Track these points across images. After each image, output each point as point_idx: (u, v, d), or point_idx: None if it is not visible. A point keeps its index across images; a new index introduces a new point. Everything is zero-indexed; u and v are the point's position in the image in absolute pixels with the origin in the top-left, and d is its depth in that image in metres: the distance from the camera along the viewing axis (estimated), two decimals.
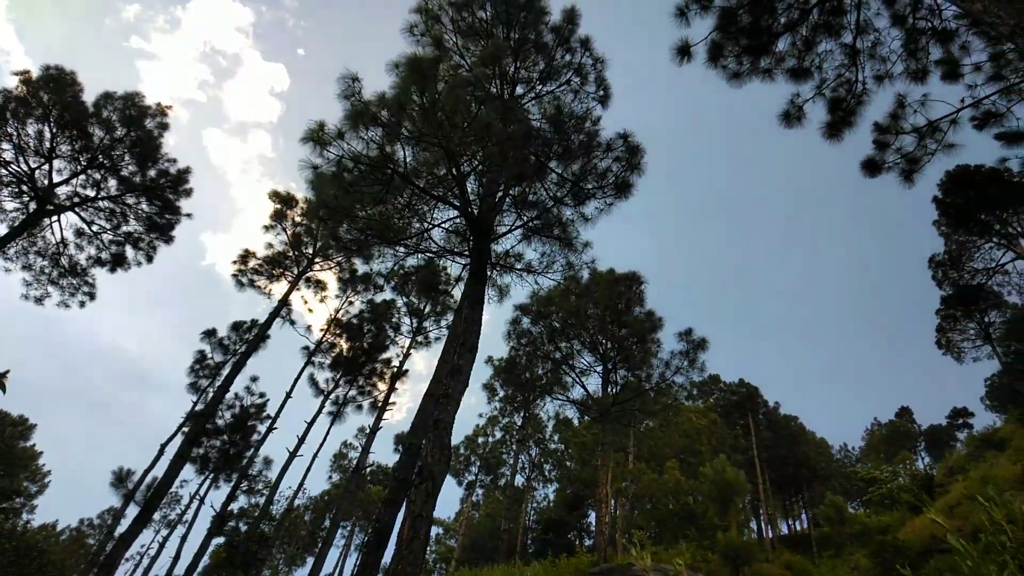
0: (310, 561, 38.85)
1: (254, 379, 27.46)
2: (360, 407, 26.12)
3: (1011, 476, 17.34)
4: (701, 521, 27.91)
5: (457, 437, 49.72)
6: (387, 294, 27.32)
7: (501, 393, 24.38)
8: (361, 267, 26.09)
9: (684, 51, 11.36)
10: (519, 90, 12.72)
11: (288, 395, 25.54)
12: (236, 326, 26.57)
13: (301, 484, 29.83)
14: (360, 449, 26.86)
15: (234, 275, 24.86)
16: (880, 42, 11.86)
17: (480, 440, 43.56)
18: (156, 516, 38.51)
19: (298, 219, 25.07)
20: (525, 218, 11.42)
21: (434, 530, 52.60)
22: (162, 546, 32.23)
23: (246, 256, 25.13)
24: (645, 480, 33.89)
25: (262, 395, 27.36)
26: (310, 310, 29.03)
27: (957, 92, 11.95)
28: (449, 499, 57.85)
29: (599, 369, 20.81)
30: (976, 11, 7.37)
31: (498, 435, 43.17)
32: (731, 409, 50.98)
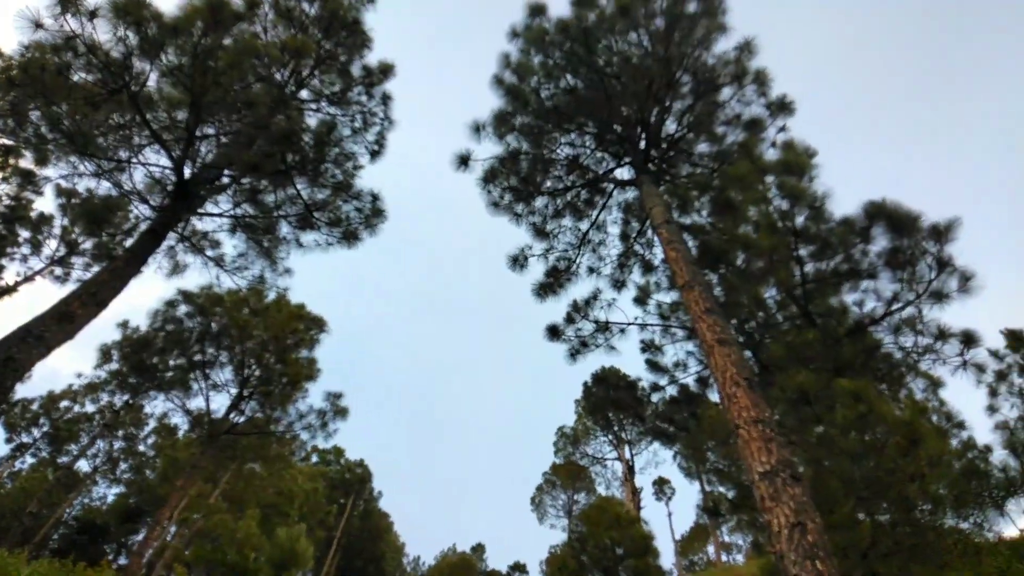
0: None
1: None
2: None
3: None
4: None
5: (38, 389, 41.09)
6: (50, 205, 22.14)
7: (116, 365, 20.61)
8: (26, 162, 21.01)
9: (464, 161, 12.14)
10: (304, 94, 12.09)
11: None
12: None
13: None
14: None
15: None
16: (604, 244, 14.05)
17: (63, 404, 36.05)
18: None
19: None
20: (241, 211, 10.46)
21: None
22: None
23: None
24: (217, 519, 31.29)
25: None
26: None
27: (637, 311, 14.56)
28: None
29: (233, 392, 19.20)
30: (671, 258, 9.12)
31: (89, 408, 36.24)
32: (339, 484, 50.61)
